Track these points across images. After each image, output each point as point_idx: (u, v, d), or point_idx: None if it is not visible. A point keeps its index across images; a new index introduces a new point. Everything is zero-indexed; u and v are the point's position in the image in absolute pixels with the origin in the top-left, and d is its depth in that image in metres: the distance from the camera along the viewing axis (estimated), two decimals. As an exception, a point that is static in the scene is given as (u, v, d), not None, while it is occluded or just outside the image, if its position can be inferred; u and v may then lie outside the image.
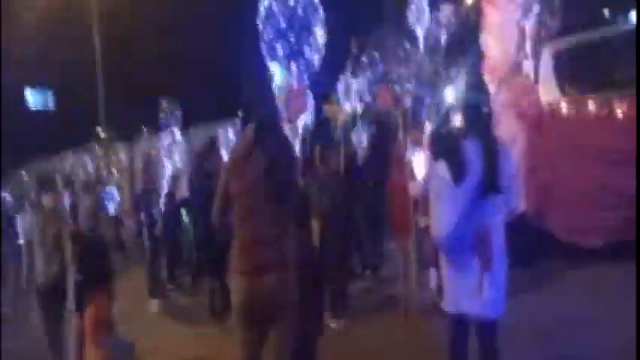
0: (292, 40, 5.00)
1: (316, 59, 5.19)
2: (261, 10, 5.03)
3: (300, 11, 4.96)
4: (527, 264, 5.57)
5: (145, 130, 11.11)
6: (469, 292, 3.24)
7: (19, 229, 7.03)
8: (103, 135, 10.79)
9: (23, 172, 8.02)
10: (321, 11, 5.10)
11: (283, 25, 4.96)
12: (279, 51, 5.04)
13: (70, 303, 4.83)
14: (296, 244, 3.15)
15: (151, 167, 8.38)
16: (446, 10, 7.54)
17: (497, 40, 6.35)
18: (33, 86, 21.43)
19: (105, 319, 4.94)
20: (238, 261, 3.05)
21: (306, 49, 5.07)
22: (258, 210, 2.99)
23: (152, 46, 18.33)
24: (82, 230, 5.39)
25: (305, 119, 7.17)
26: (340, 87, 8.74)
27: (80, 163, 9.84)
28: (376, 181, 6.80)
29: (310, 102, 7.73)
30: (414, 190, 4.82)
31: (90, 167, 9.30)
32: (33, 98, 21.36)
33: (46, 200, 6.08)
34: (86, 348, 4.93)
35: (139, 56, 18.32)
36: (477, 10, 7.00)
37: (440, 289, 3.72)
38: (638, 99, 5.59)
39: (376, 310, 6.07)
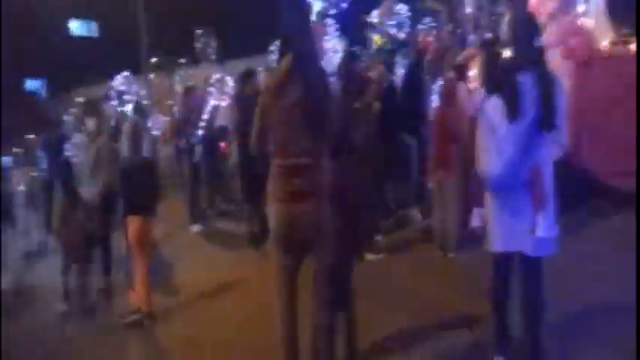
0: None
1: None
2: None
3: None
4: (571, 206, 5.46)
5: (184, 60, 11.15)
6: (521, 231, 3.16)
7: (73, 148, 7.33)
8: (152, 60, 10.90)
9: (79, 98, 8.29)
10: None
11: None
12: None
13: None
14: (332, 174, 3.19)
15: (191, 95, 8.46)
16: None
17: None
18: (77, 16, 21.61)
19: (147, 234, 5.24)
20: (275, 188, 3.10)
21: None
22: (293, 139, 3.03)
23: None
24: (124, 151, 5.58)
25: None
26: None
27: (127, 87, 10.04)
28: (414, 115, 6.70)
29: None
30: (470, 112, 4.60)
31: (135, 92, 9.49)
32: (78, 27, 21.55)
33: (90, 123, 6.43)
34: (132, 258, 5.29)
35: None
36: None
37: (483, 229, 3.63)
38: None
39: (412, 244, 6.11)
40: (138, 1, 15.53)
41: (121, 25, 17.63)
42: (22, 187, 10.56)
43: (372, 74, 6.72)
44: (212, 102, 8.54)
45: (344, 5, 5.11)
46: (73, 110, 8.68)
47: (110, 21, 20.05)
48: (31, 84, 22.77)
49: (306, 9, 4.36)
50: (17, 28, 19.02)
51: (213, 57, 8.86)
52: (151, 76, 12.09)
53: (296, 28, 3.19)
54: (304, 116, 3.01)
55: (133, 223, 5.19)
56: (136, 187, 5.14)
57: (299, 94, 2.99)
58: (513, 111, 3.08)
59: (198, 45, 8.93)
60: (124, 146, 5.69)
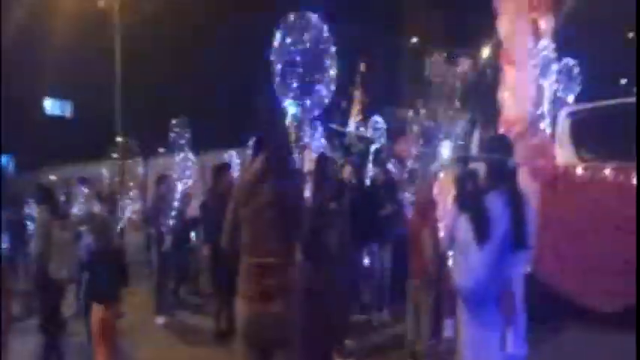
0: (304, 73, 5.12)
1: (327, 94, 5.32)
2: (275, 44, 5.16)
3: (311, 45, 5.08)
4: (541, 321, 5.53)
5: (159, 148, 11.26)
6: (491, 346, 3.20)
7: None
8: (122, 144, 10.97)
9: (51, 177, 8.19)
10: (332, 46, 5.22)
11: (296, 59, 5.08)
12: (293, 85, 5.16)
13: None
14: (305, 273, 3.27)
15: (164, 184, 8.49)
16: (464, 65, 7.74)
17: (514, 98, 6.45)
18: (53, 96, 21.88)
19: (110, 323, 5.03)
20: (244, 285, 3.14)
21: (318, 84, 5.20)
22: (264, 237, 3.09)
23: (169, 66, 18.67)
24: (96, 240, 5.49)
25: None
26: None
27: (97, 173, 9.98)
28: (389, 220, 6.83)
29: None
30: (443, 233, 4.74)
31: (106, 177, 9.43)
32: (52, 107, 21.76)
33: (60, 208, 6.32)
34: (94, 346, 5.05)
35: (157, 75, 18.65)
36: (495, 67, 7.17)
37: (453, 340, 3.63)
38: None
39: (382, 350, 6.04)
40: (115, 85, 15.90)
41: (96, 107, 17.88)
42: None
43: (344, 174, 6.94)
44: (182, 189, 8.57)
45: (318, 111, 5.39)
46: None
47: (85, 102, 20.34)
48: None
49: (281, 111, 4.59)
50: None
51: (187, 147, 9.03)
52: (121, 162, 12.11)
53: (270, 129, 3.36)
54: (276, 216, 3.07)
55: (97, 312, 5.00)
56: (100, 274, 5.03)
57: (271, 194, 3.08)
58: (481, 235, 3.20)
59: (172, 134, 9.11)
60: (89, 235, 5.62)
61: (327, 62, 5.23)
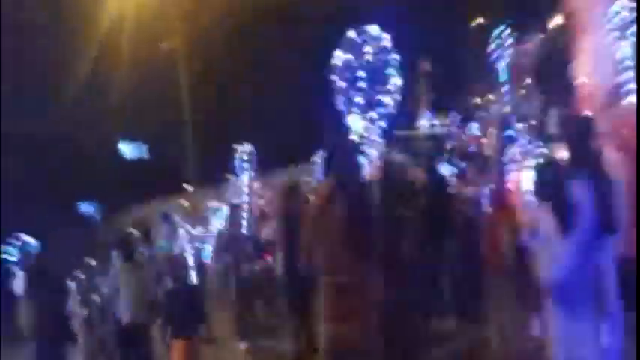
0: (367, 88, 5.10)
1: (393, 104, 5.25)
2: (337, 62, 5.18)
3: (374, 59, 5.07)
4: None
5: (229, 177, 11.48)
6: (585, 340, 2.96)
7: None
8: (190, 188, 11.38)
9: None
10: (395, 55, 5.15)
11: (359, 75, 5.08)
12: (357, 100, 5.15)
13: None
14: (380, 292, 3.26)
15: (236, 211, 8.60)
16: (531, 41, 7.28)
17: (591, 66, 5.97)
18: (128, 139, 23.21)
19: (191, 357, 5.04)
20: (324, 307, 3.19)
21: (383, 96, 5.16)
22: (339, 259, 3.11)
23: (238, 102, 19.28)
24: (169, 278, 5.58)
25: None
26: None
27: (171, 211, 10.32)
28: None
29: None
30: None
31: (179, 216, 9.75)
32: (128, 150, 23.04)
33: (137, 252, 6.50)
34: None
35: (225, 109, 19.27)
36: (566, 36, 6.67)
37: (544, 338, 3.37)
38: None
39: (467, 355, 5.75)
40: (184, 123, 16.52)
41: (169, 146, 18.68)
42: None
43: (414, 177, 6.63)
44: (256, 216, 8.66)
45: (386, 122, 5.33)
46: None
47: (159, 144, 21.37)
48: (86, 207, 23.87)
49: (347, 131, 4.58)
50: (68, 150, 20.36)
51: (252, 171, 9.17)
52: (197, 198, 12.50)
53: (338, 149, 3.33)
54: (349, 235, 3.09)
55: (178, 348, 5.02)
56: (180, 310, 5.07)
57: (343, 214, 3.10)
58: (565, 226, 3.01)
59: (237, 160, 9.30)
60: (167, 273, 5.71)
61: (390, 73, 5.22)
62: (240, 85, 19.06)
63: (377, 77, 5.23)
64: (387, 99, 5.28)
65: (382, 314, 3.31)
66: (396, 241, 4.71)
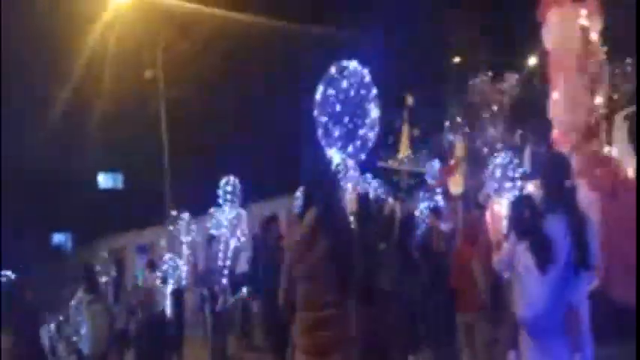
0: (347, 121, 5.22)
1: (371, 136, 5.34)
2: (317, 98, 5.29)
3: (352, 93, 5.21)
4: (608, 342, 5.00)
5: (210, 208, 11.37)
6: None
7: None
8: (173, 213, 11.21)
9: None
10: (373, 89, 5.30)
11: (338, 108, 5.21)
12: (336, 134, 5.25)
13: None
14: (359, 324, 3.18)
15: (213, 243, 8.47)
16: (509, 80, 7.45)
17: (566, 108, 6.09)
18: (104, 169, 22.92)
19: None
20: (301, 340, 3.08)
21: (361, 129, 5.27)
22: (319, 292, 3.05)
23: (215, 129, 19.27)
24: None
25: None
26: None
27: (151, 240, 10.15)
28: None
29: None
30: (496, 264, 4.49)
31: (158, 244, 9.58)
32: (105, 180, 22.78)
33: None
34: None
35: (202, 139, 19.22)
36: (542, 77, 6.85)
37: None
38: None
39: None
40: (163, 153, 16.38)
41: (146, 177, 18.45)
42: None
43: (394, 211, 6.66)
44: (233, 248, 8.53)
45: (363, 154, 5.39)
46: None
47: (135, 173, 21.12)
48: (58, 237, 23.35)
49: (327, 164, 4.55)
50: (47, 183, 19.99)
51: (235, 201, 9.08)
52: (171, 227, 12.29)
53: (318, 183, 3.27)
54: (330, 270, 3.04)
55: None
56: (145, 345, 4.94)
57: (324, 249, 3.04)
58: (544, 263, 3.01)
59: (221, 192, 9.23)
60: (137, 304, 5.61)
61: (369, 106, 5.35)
62: (222, 116, 19.10)
63: (356, 112, 5.32)
64: (365, 132, 5.34)
65: (362, 347, 3.21)
66: (374, 272, 4.72)
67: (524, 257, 3.12)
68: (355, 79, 5.36)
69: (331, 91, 5.36)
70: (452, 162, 8.04)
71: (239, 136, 19.13)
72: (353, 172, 7.23)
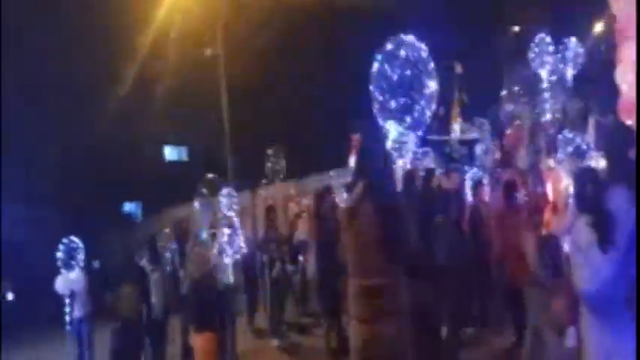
0: (404, 95, 5.19)
1: (429, 110, 5.29)
2: (373, 71, 5.26)
3: (409, 66, 5.16)
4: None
5: (265, 180, 11.64)
6: (624, 354, 2.90)
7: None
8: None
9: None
10: (431, 64, 5.21)
11: (395, 82, 5.17)
12: (392, 106, 5.23)
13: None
14: (410, 293, 3.18)
15: (271, 213, 8.69)
16: (572, 45, 7.11)
17: (633, 76, 5.79)
18: (170, 142, 23.80)
19: (210, 353, 5.07)
20: (354, 308, 3.13)
21: (418, 103, 5.23)
22: (369, 259, 3.09)
23: (274, 105, 19.54)
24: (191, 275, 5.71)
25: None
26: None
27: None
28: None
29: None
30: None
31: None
32: (170, 153, 23.69)
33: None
34: None
35: (262, 115, 19.55)
36: (610, 43, 6.51)
37: (579, 351, 3.28)
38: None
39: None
40: (224, 127, 16.80)
41: (208, 150, 19.04)
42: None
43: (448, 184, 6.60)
44: (290, 217, 8.75)
45: (421, 128, 5.36)
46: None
47: (199, 146, 21.81)
48: (129, 207, 24.61)
49: (379, 135, 4.57)
50: (113, 154, 21.01)
51: (282, 175, 9.25)
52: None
53: (368, 154, 3.33)
54: (378, 238, 3.07)
55: (197, 342, 5.09)
56: (199, 303, 5.13)
57: (372, 217, 3.08)
58: (605, 240, 2.93)
59: (269, 165, 9.42)
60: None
61: (426, 81, 5.29)
62: (279, 91, 19.32)
63: (413, 86, 5.29)
64: (423, 106, 5.30)
65: (414, 318, 3.22)
66: (429, 246, 4.74)
67: (586, 232, 3.04)
68: (412, 53, 5.32)
69: (387, 65, 5.33)
70: (513, 133, 7.84)
71: (296, 112, 19.33)
72: (411, 146, 7.25)
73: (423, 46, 5.42)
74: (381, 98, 5.39)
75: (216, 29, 16.56)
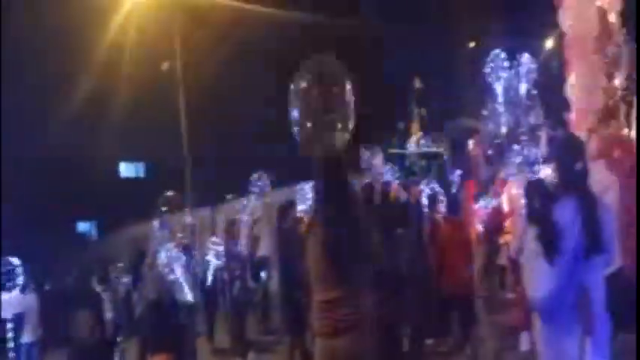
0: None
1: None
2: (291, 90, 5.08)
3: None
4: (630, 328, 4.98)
5: (227, 196, 11.52)
6: (569, 356, 2.97)
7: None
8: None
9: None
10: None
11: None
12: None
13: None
14: (371, 304, 3.14)
15: (233, 229, 8.59)
16: (525, 61, 7.33)
17: (583, 90, 6.02)
18: (126, 159, 23.33)
19: None
20: (316, 323, 3.09)
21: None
22: (323, 276, 3.06)
23: (234, 118, 19.46)
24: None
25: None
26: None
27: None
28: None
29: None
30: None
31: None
32: (126, 169, 23.22)
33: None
34: None
35: (221, 127, 19.42)
36: (560, 58, 6.76)
37: (533, 353, 3.38)
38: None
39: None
40: (183, 143, 16.56)
41: (167, 166, 18.73)
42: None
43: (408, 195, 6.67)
44: (252, 234, 8.65)
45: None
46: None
47: (156, 163, 21.45)
48: (83, 226, 23.91)
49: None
50: (67, 171, 20.43)
51: (255, 189, 9.17)
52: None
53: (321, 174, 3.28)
54: (337, 251, 3.02)
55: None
56: (155, 324, 5.00)
57: (322, 234, 3.04)
58: (550, 252, 3.00)
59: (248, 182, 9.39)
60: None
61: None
62: (237, 104, 19.26)
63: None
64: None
65: (376, 329, 3.25)
66: (391, 258, 4.75)
67: (533, 243, 3.14)
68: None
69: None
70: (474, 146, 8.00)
71: (256, 125, 19.29)
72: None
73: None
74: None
75: (173, 42, 16.41)
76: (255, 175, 9.05)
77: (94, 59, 17.82)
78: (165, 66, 16.79)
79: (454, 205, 6.69)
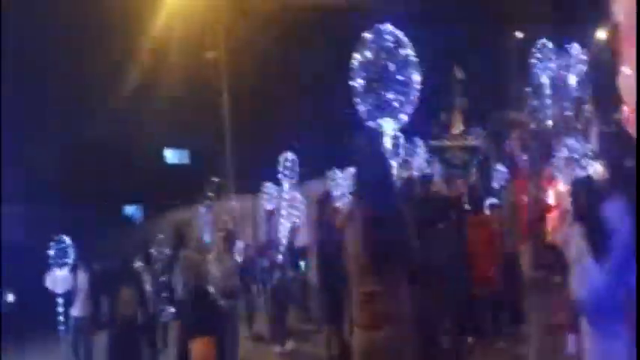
0: (385, 88, 4.88)
1: (412, 99, 5.01)
2: (353, 65, 4.92)
3: (388, 57, 4.85)
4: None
5: (266, 184, 11.64)
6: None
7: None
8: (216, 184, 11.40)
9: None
10: (409, 49, 4.88)
11: (374, 75, 4.85)
12: (374, 101, 4.96)
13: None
14: (412, 300, 3.16)
15: (272, 219, 8.70)
16: (574, 51, 7.09)
17: (637, 83, 5.77)
18: (171, 146, 23.87)
19: (209, 358, 5.02)
20: (355, 314, 3.13)
21: (400, 94, 4.94)
22: (366, 267, 3.07)
23: (276, 108, 19.58)
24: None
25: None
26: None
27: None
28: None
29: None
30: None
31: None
32: (172, 156, 23.76)
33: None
34: None
35: (264, 117, 19.59)
36: (612, 50, 6.50)
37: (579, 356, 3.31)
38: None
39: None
40: (225, 128, 16.82)
41: (210, 153, 19.07)
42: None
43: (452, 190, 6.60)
44: (291, 222, 8.71)
45: (405, 118, 5.08)
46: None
47: (200, 149, 21.86)
48: (130, 210, 24.67)
49: (378, 135, 4.49)
50: (117, 159, 21.07)
51: (293, 178, 9.26)
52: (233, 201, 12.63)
53: (362, 160, 3.28)
54: (376, 245, 3.05)
55: (197, 345, 5.03)
56: (191, 311, 5.10)
57: (370, 225, 3.06)
58: (597, 252, 2.91)
59: (280, 167, 9.43)
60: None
61: (408, 69, 4.94)
62: (279, 93, 19.36)
63: (393, 76, 4.90)
64: (406, 95, 4.91)
65: (415, 325, 3.22)
66: (430, 253, 4.72)
67: (580, 240, 3.06)
68: (390, 42, 4.93)
69: (365, 58, 4.96)
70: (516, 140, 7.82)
71: (299, 114, 19.36)
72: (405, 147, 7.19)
73: (400, 33, 5.02)
74: (361, 93, 4.98)
75: (217, 32, 16.61)
76: (282, 157, 9.00)
77: (142, 49, 18.24)
78: (210, 55, 17.04)
79: (495, 201, 6.61)
